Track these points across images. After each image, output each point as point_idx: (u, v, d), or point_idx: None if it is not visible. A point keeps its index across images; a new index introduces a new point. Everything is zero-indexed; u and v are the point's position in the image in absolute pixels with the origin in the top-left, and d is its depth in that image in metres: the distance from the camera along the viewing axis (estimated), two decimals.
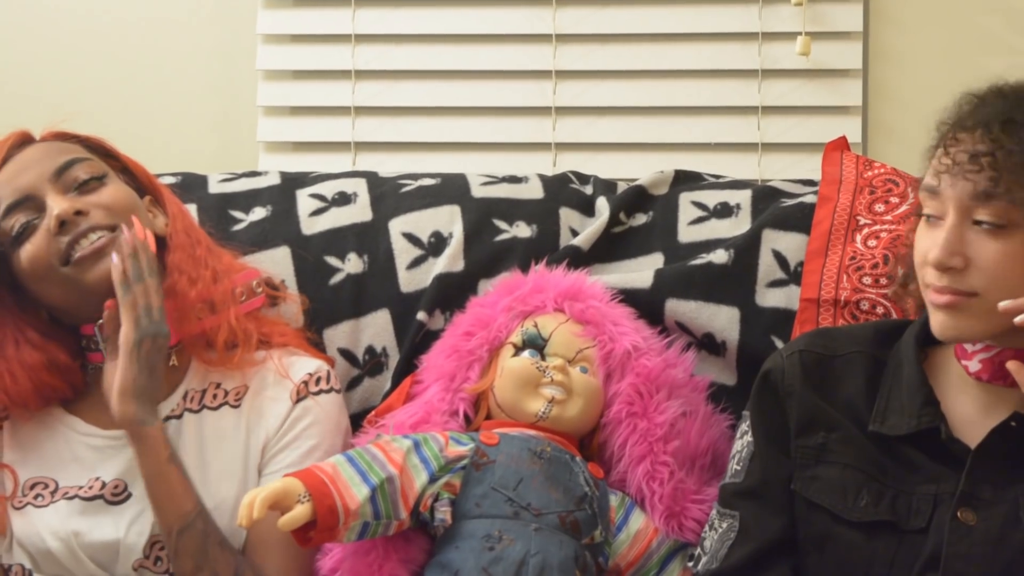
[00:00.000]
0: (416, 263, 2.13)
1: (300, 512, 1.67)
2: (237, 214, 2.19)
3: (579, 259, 2.09)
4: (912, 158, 1.75)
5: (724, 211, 2.15)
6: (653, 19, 2.66)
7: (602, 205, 2.18)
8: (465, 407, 1.92)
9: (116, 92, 2.74)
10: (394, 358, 2.10)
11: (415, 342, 2.07)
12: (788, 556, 1.71)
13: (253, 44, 2.73)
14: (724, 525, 1.75)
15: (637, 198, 2.19)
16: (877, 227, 2.05)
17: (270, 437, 1.90)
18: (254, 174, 2.29)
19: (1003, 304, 1.55)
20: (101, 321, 1.84)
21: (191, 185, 2.22)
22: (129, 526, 1.83)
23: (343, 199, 2.20)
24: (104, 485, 1.86)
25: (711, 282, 2.05)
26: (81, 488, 1.86)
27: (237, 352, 1.92)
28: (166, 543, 1.78)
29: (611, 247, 2.13)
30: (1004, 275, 1.56)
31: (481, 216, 2.15)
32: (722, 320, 2.04)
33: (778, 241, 2.08)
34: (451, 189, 2.21)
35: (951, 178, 1.59)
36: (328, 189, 2.22)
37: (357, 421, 2.01)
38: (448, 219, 2.16)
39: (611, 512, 1.85)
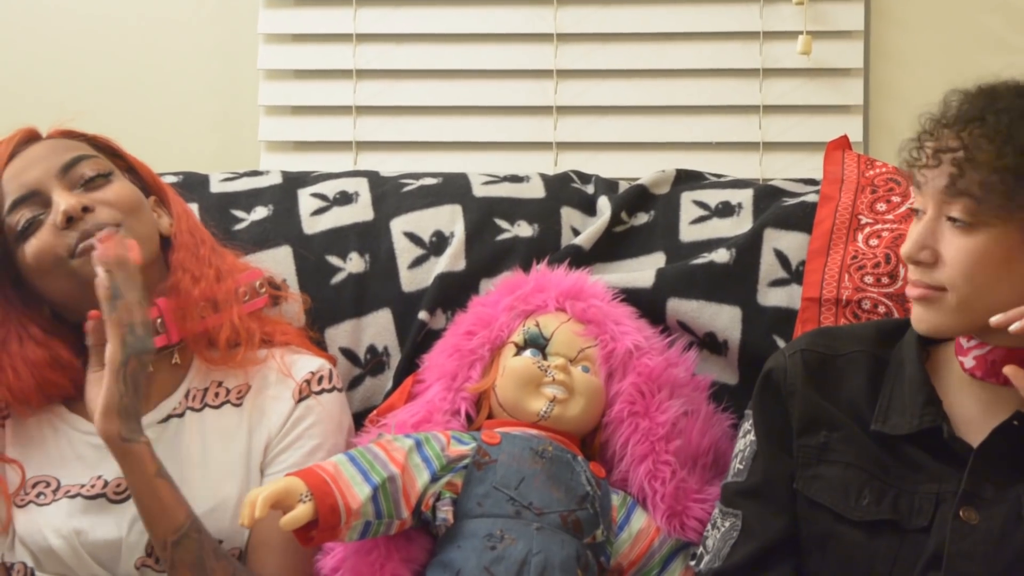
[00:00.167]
0: (418, 262, 2.13)
1: (302, 511, 1.68)
2: (239, 213, 2.19)
3: (581, 258, 2.09)
4: None
5: (726, 210, 2.15)
6: (654, 18, 2.66)
7: (603, 204, 2.18)
8: (467, 406, 1.92)
9: (117, 92, 2.74)
10: (396, 357, 2.10)
11: (417, 341, 2.07)
12: (790, 555, 1.71)
13: (254, 43, 2.73)
14: (726, 524, 1.75)
15: (638, 197, 2.19)
16: (879, 226, 2.05)
17: (272, 436, 1.90)
18: (255, 173, 2.29)
19: (994, 319, 1.56)
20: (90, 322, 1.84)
21: (193, 185, 2.22)
22: (131, 525, 1.83)
23: (344, 198, 2.20)
24: (106, 484, 1.86)
25: (713, 281, 2.05)
26: (83, 486, 1.86)
27: (239, 351, 1.92)
28: (161, 556, 1.78)
29: (613, 246, 2.13)
30: (971, 272, 1.58)
31: (482, 215, 2.15)
32: (724, 319, 2.04)
33: (780, 240, 2.08)
34: (452, 188, 2.21)
35: (925, 172, 1.61)
36: (329, 188, 2.22)
37: (359, 420, 2.01)
38: (449, 218, 2.16)
39: (613, 511, 1.85)
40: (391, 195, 2.20)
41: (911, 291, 1.63)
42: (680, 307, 2.04)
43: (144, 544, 1.83)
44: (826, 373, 1.75)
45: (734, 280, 2.05)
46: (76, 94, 2.71)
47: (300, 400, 1.92)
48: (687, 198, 2.18)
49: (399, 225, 2.16)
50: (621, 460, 1.89)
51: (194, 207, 2.14)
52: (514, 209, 2.17)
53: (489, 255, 2.12)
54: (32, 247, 1.85)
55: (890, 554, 1.63)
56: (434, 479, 1.79)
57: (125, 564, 1.83)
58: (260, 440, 1.90)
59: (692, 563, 1.80)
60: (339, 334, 2.10)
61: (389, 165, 2.41)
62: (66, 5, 2.78)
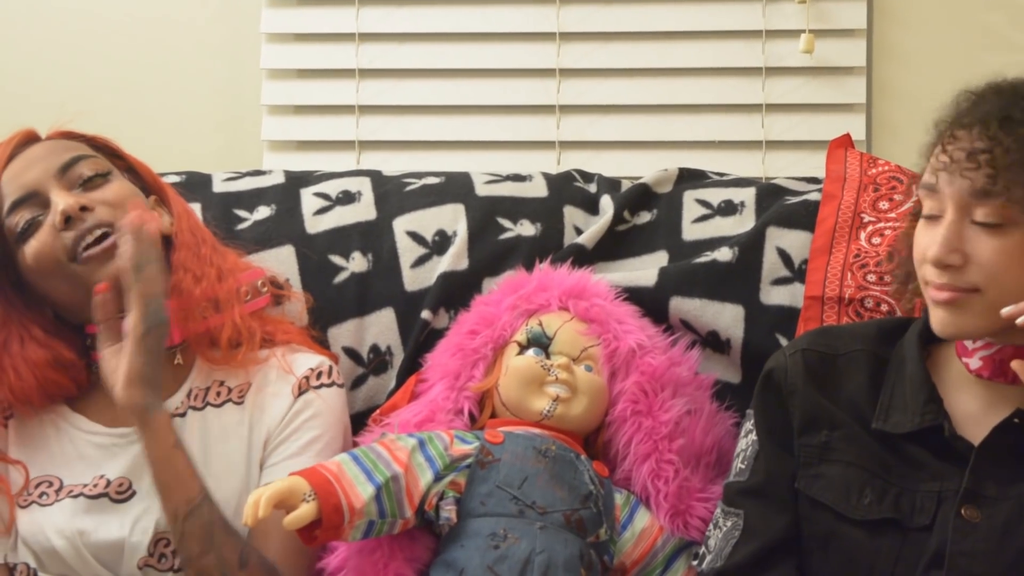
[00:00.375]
0: (420, 262, 2.13)
1: (305, 511, 1.68)
2: (241, 213, 2.19)
3: (583, 257, 2.09)
4: (916, 155, 1.75)
5: (728, 209, 2.15)
6: (657, 17, 2.66)
7: (606, 203, 2.18)
8: (470, 406, 1.92)
9: (120, 91, 2.74)
10: (398, 357, 2.10)
11: (419, 341, 2.07)
12: (792, 554, 1.71)
13: (257, 43, 2.73)
14: (728, 523, 1.75)
15: (641, 196, 2.19)
16: (881, 224, 2.05)
17: (272, 431, 1.90)
18: (258, 173, 2.29)
19: (1005, 311, 1.55)
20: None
21: (195, 184, 2.22)
22: (133, 525, 1.83)
23: (347, 198, 2.20)
24: (109, 483, 1.86)
25: (715, 280, 2.05)
26: (86, 486, 1.87)
27: (241, 350, 1.92)
28: (171, 528, 1.78)
29: (615, 245, 2.13)
30: (1004, 272, 1.56)
31: (485, 214, 2.15)
32: (726, 318, 2.04)
33: (782, 239, 2.08)
34: (455, 188, 2.21)
35: (949, 176, 1.58)
36: (332, 188, 2.22)
37: (362, 420, 2.01)
38: (452, 218, 2.16)
39: (616, 510, 1.85)
40: (394, 194, 2.20)
41: (938, 295, 1.60)
42: (683, 306, 2.04)
43: (146, 544, 1.83)
44: (827, 372, 1.75)
45: (737, 279, 2.05)
46: (79, 94, 2.72)
47: (300, 394, 1.92)
48: (690, 197, 2.18)
49: (402, 224, 2.16)
50: (624, 459, 1.89)
51: (197, 207, 2.15)
52: (517, 208, 2.17)
53: (492, 254, 2.12)
54: (32, 248, 1.85)
55: (892, 553, 1.63)
56: (437, 478, 1.79)
57: (127, 564, 1.83)
58: (260, 436, 1.90)
59: (694, 563, 1.80)
60: (342, 333, 2.10)
61: (392, 164, 2.41)
62: (69, 5, 2.78)
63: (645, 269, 2.08)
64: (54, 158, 1.89)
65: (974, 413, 1.66)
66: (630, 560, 1.85)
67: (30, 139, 1.94)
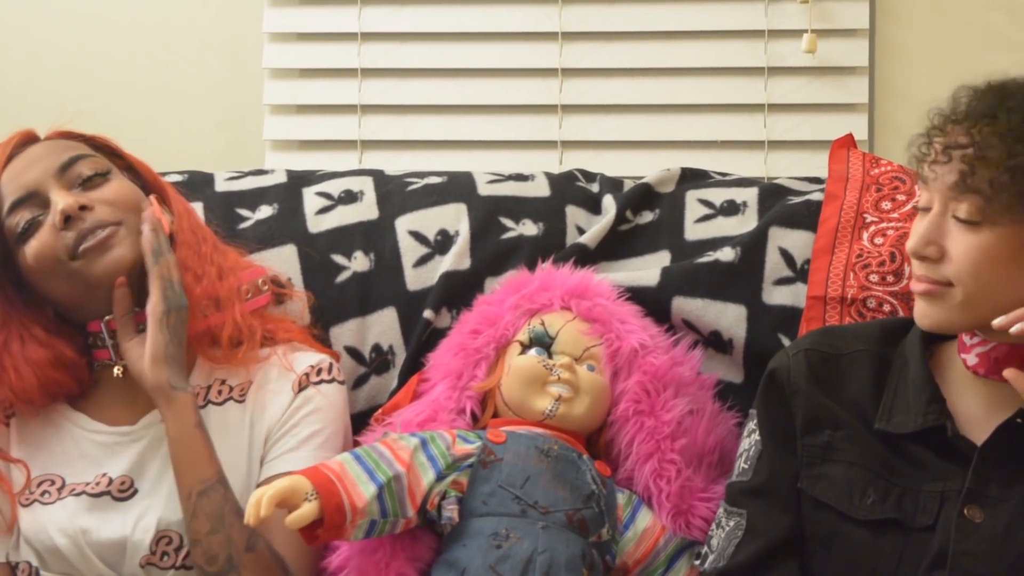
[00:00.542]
0: (422, 261, 2.13)
1: (307, 510, 1.67)
2: (244, 212, 2.19)
3: (586, 257, 2.09)
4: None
5: (731, 209, 2.15)
6: (659, 17, 2.66)
7: (608, 203, 2.18)
8: (472, 405, 1.92)
9: (122, 91, 2.74)
10: (401, 356, 2.10)
11: (422, 340, 2.07)
12: (795, 554, 1.71)
13: (259, 42, 2.73)
14: (731, 523, 1.75)
15: (643, 196, 2.19)
16: (884, 224, 2.05)
17: (272, 427, 1.90)
18: (260, 172, 2.29)
19: (997, 322, 1.56)
20: (109, 317, 1.86)
21: (198, 183, 2.22)
22: (136, 523, 1.83)
23: (349, 197, 2.20)
24: (111, 481, 1.86)
25: (718, 280, 2.05)
26: (88, 484, 1.87)
27: (242, 349, 1.92)
28: (183, 505, 1.79)
29: (618, 245, 2.13)
30: (976, 269, 1.57)
31: (487, 214, 2.15)
32: (729, 318, 2.04)
33: (785, 239, 2.08)
34: (457, 187, 2.21)
35: (933, 169, 1.61)
36: (334, 187, 2.22)
37: (364, 419, 2.01)
38: (454, 217, 2.16)
39: (618, 510, 1.85)
40: (396, 194, 2.20)
41: (916, 286, 1.63)
42: (685, 306, 2.04)
43: (148, 542, 1.83)
44: (830, 372, 1.75)
45: (739, 279, 2.05)
46: (81, 94, 2.72)
47: (300, 391, 1.92)
48: (692, 196, 2.18)
49: (404, 224, 2.16)
50: (626, 459, 1.89)
51: (199, 206, 2.15)
52: (519, 208, 2.17)
53: (494, 254, 2.12)
54: (32, 248, 1.85)
55: (895, 553, 1.63)
56: (439, 478, 1.79)
57: (130, 563, 1.83)
58: (260, 433, 1.90)
59: (697, 562, 1.80)
60: (344, 333, 2.10)
61: (394, 164, 2.41)
62: (71, 5, 2.78)
63: (647, 269, 2.08)
64: (53, 158, 1.90)
65: (977, 413, 1.66)
66: (632, 560, 1.85)
67: (29, 139, 1.94)
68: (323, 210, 2.19)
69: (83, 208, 1.85)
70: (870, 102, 2.62)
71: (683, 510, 1.86)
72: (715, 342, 2.05)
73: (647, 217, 2.17)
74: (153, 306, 1.83)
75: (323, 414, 1.92)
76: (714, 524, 1.79)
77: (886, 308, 1.98)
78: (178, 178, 2.20)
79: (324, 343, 2.07)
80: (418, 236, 2.15)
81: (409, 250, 2.14)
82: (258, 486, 1.81)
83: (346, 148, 2.72)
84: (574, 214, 2.18)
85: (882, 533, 1.64)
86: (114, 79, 2.75)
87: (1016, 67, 1.68)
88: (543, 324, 1.93)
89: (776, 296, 2.05)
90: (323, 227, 2.17)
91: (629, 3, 2.67)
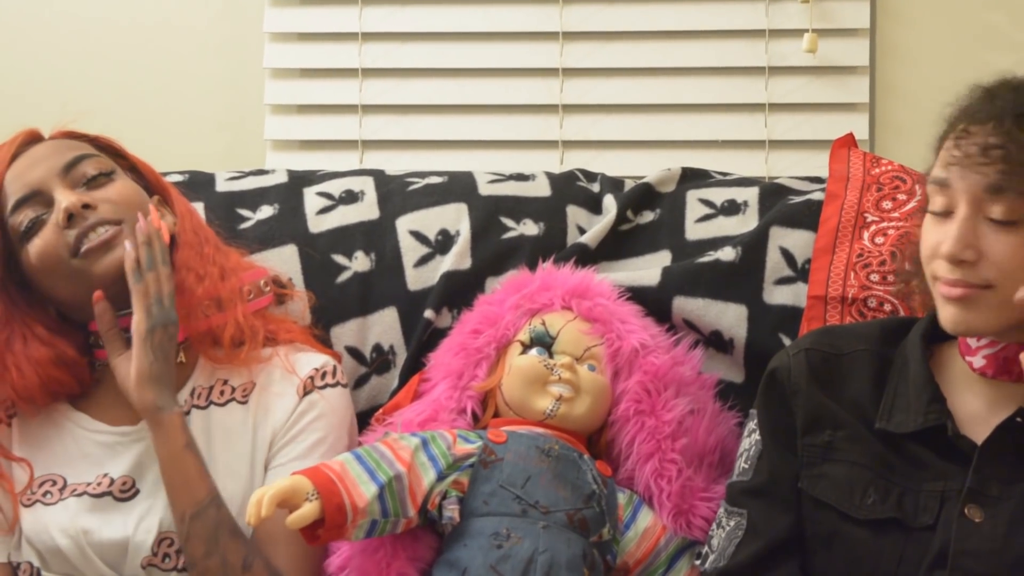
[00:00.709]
0: (423, 261, 2.13)
1: (308, 510, 1.67)
2: (244, 212, 2.19)
3: (586, 257, 2.09)
4: (919, 155, 1.75)
5: (731, 208, 2.15)
6: (660, 16, 2.66)
7: (609, 203, 2.18)
8: (473, 405, 1.92)
9: (123, 91, 2.74)
10: (401, 356, 2.10)
11: (422, 340, 2.08)
12: (796, 554, 1.71)
13: (260, 42, 2.73)
14: (732, 523, 1.75)
15: (644, 196, 2.19)
16: (884, 224, 2.05)
17: (277, 431, 1.90)
18: (261, 172, 2.29)
19: (1021, 294, 1.54)
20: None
21: (198, 183, 2.22)
22: (137, 524, 1.83)
23: (350, 197, 2.20)
24: (112, 482, 1.86)
25: (719, 279, 2.05)
26: (89, 484, 1.87)
27: (243, 349, 1.92)
28: (178, 527, 1.79)
29: (618, 245, 2.13)
30: (1018, 268, 1.55)
31: (488, 214, 2.15)
32: (730, 318, 2.04)
33: (785, 238, 2.08)
34: (458, 187, 2.21)
35: (962, 171, 1.58)
36: (335, 187, 2.22)
37: (364, 419, 2.02)
38: (455, 217, 2.16)
39: (619, 510, 1.85)
40: (397, 194, 2.20)
41: (950, 291, 1.59)
42: (686, 305, 2.04)
43: (150, 543, 1.83)
44: (830, 372, 1.74)
45: (740, 278, 2.05)
46: (82, 94, 2.72)
47: (304, 395, 1.92)
48: (693, 196, 2.18)
49: (405, 224, 2.16)
50: (627, 458, 1.89)
51: (200, 206, 2.15)
52: (520, 207, 2.17)
53: (495, 253, 2.12)
54: (36, 247, 1.86)
55: (895, 553, 1.63)
56: (440, 478, 1.79)
57: (131, 564, 1.83)
58: (265, 437, 1.90)
59: (697, 562, 1.80)
60: (345, 333, 2.11)
61: (395, 164, 2.41)
62: (72, 5, 2.78)
63: (648, 268, 2.08)
64: (58, 157, 1.90)
65: (977, 413, 1.66)
66: (633, 560, 1.85)
67: (33, 139, 1.95)
68: (324, 210, 2.19)
69: (86, 207, 1.85)
70: (871, 102, 2.62)
71: (684, 510, 1.86)
72: (716, 342, 2.05)
73: (648, 217, 2.17)
74: (136, 325, 1.81)
75: (327, 421, 1.92)
76: (715, 524, 1.79)
77: (887, 308, 1.98)
78: (179, 178, 2.20)
79: (325, 343, 2.07)
80: (419, 236, 2.15)
81: (410, 250, 2.14)
82: None
83: (347, 148, 2.72)
84: (575, 214, 2.18)
85: (883, 533, 1.64)
86: (115, 79, 2.75)
87: (1018, 67, 1.67)
88: (544, 324, 1.93)
89: (777, 296, 2.05)
90: (324, 227, 2.17)
91: (630, 3, 2.67)
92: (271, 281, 2.03)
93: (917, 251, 1.69)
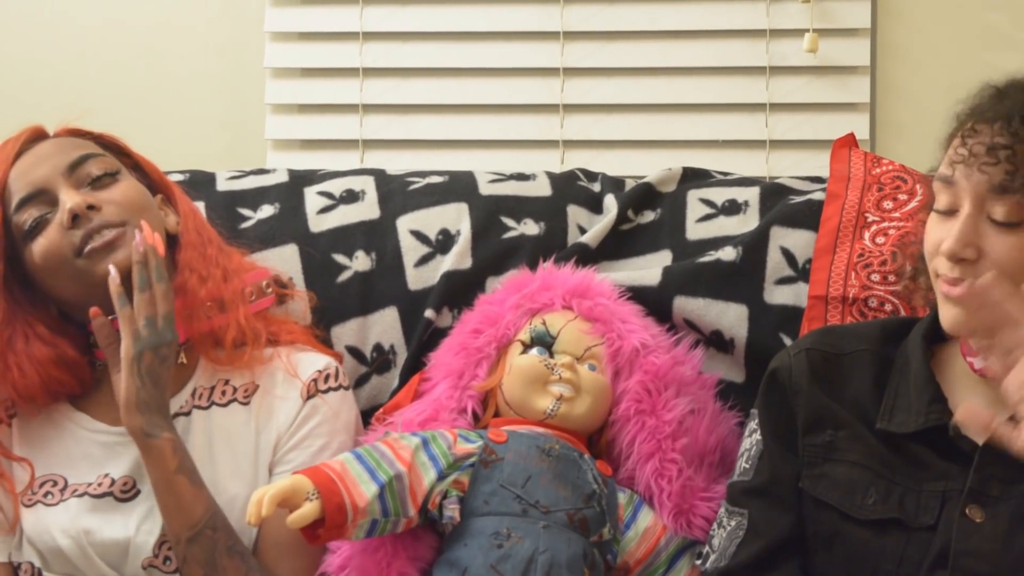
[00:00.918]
0: (424, 260, 2.13)
1: (308, 510, 1.67)
2: (245, 212, 2.19)
3: (587, 256, 2.09)
4: (920, 155, 1.75)
5: (732, 208, 2.15)
6: (661, 16, 2.66)
7: (610, 202, 2.18)
8: (473, 405, 1.92)
9: (124, 90, 2.74)
10: (402, 356, 2.10)
11: (423, 340, 2.08)
12: (796, 554, 1.71)
13: (261, 42, 2.74)
14: (732, 523, 1.75)
15: (645, 195, 2.19)
16: (885, 224, 2.05)
17: (281, 435, 1.90)
18: (262, 172, 2.29)
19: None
20: (112, 317, 1.84)
21: (199, 183, 2.22)
22: (139, 525, 1.83)
23: (351, 197, 2.20)
24: (113, 482, 1.86)
25: (719, 279, 2.05)
26: (90, 485, 1.87)
27: (245, 351, 1.92)
28: (175, 550, 1.79)
29: (619, 244, 2.13)
30: (1019, 269, 1.55)
31: (489, 213, 2.15)
32: (730, 317, 2.04)
33: (786, 238, 2.08)
34: (459, 186, 2.21)
35: (967, 169, 1.58)
36: (336, 187, 2.22)
37: (365, 419, 2.01)
38: (456, 217, 2.16)
39: (619, 510, 1.85)
40: (397, 193, 2.20)
41: (951, 290, 1.59)
42: (687, 305, 2.04)
43: (151, 544, 1.83)
44: (831, 372, 1.74)
45: (741, 278, 2.05)
46: (83, 94, 2.72)
47: (308, 399, 1.92)
48: (694, 196, 2.18)
49: (405, 223, 2.16)
50: (628, 458, 1.89)
51: (200, 205, 2.15)
52: (520, 207, 2.17)
53: (495, 253, 2.12)
54: (39, 246, 1.85)
55: (896, 553, 1.63)
56: (441, 477, 1.79)
57: (132, 564, 1.83)
58: (269, 439, 1.90)
59: (698, 562, 1.80)
60: (345, 332, 2.10)
61: (395, 163, 2.41)
62: (73, 5, 2.78)
63: (649, 268, 2.08)
64: (62, 156, 1.90)
65: None
66: (633, 559, 1.85)
67: (38, 136, 1.94)
68: (324, 209, 2.19)
69: (91, 208, 1.85)
70: (871, 101, 2.62)
71: (684, 510, 1.86)
72: (716, 342, 2.05)
73: (648, 216, 2.17)
74: (124, 351, 1.79)
75: (330, 425, 1.92)
76: (715, 524, 1.79)
77: (887, 307, 1.98)
78: (180, 177, 2.20)
79: (325, 343, 2.07)
80: (419, 235, 2.15)
81: (410, 249, 2.14)
82: None
83: (347, 148, 2.73)
84: (575, 213, 2.18)
85: (883, 533, 1.64)
86: (115, 79, 2.75)
87: (1019, 67, 1.67)
88: (544, 323, 1.93)
89: (777, 296, 2.05)
90: (324, 226, 2.17)
91: (631, 3, 2.67)
92: (273, 282, 2.03)
93: (920, 249, 1.69)
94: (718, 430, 1.94)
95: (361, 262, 2.14)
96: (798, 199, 2.14)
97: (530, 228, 2.14)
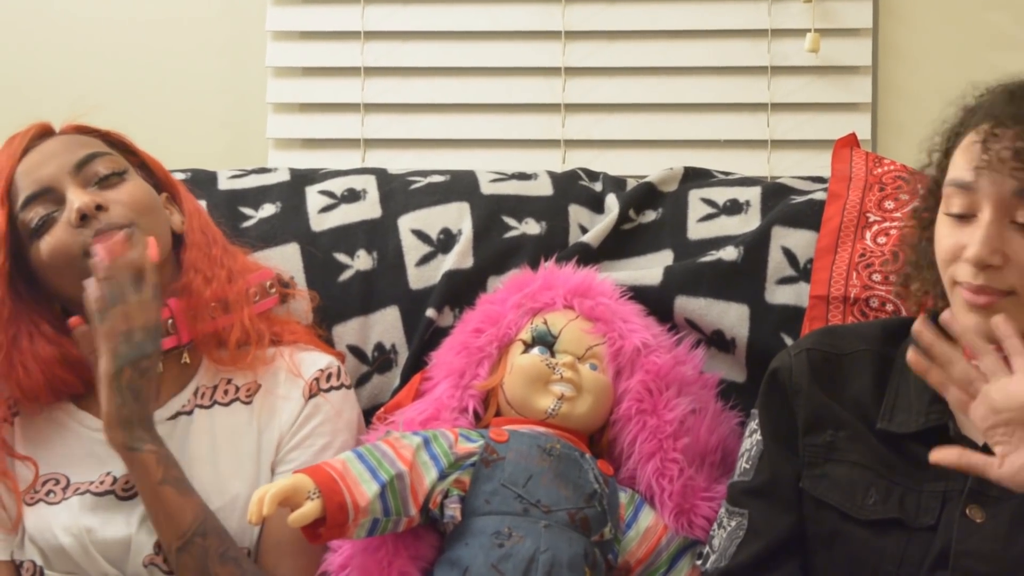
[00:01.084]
0: (425, 260, 2.13)
1: (310, 509, 1.68)
2: (246, 211, 2.19)
3: (588, 256, 2.09)
4: (922, 155, 1.75)
5: (734, 208, 2.15)
6: (662, 16, 2.66)
7: (611, 202, 2.18)
8: (475, 404, 1.92)
9: (126, 89, 2.74)
10: (403, 355, 2.10)
11: (424, 339, 2.08)
12: (797, 554, 1.71)
13: (263, 41, 2.73)
14: (733, 523, 1.75)
15: (646, 195, 2.19)
16: (887, 224, 2.05)
17: (284, 434, 1.90)
18: (263, 171, 2.29)
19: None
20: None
21: (201, 182, 2.22)
22: (140, 523, 1.83)
23: (352, 196, 2.20)
24: (115, 480, 1.86)
25: (721, 279, 2.05)
26: (92, 483, 1.87)
27: (249, 351, 1.92)
28: (168, 557, 1.79)
29: (620, 244, 2.13)
30: None
31: (490, 213, 2.15)
32: (732, 317, 2.04)
33: (788, 238, 2.08)
34: (460, 186, 2.21)
35: (992, 174, 1.56)
36: (337, 186, 2.22)
37: (366, 418, 2.02)
38: (457, 216, 2.16)
39: (620, 509, 1.85)
40: (399, 192, 2.20)
41: (975, 299, 1.57)
42: (688, 305, 2.04)
43: (152, 542, 1.83)
44: (831, 372, 1.74)
45: (742, 278, 2.05)
46: (84, 92, 2.67)
47: (310, 398, 1.92)
48: (695, 196, 2.18)
49: (407, 222, 2.16)
50: (629, 458, 1.89)
51: (202, 204, 2.14)
52: (522, 206, 2.17)
53: (497, 252, 2.12)
54: (47, 244, 1.85)
55: (897, 553, 1.63)
56: (442, 476, 1.79)
57: (134, 562, 1.83)
58: (271, 439, 1.90)
59: (698, 562, 1.80)
60: (347, 331, 2.11)
61: (397, 162, 2.41)
62: (74, 4, 2.78)
63: (650, 268, 2.08)
64: (69, 154, 1.89)
65: None
66: (634, 559, 1.85)
67: (44, 132, 1.94)
68: (326, 209, 2.19)
69: (99, 208, 1.85)
70: (873, 101, 2.62)
71: (685, 509, 1.86)
72: (717, 341, 2.05)
73: (650, 216, 2.17)
74: (103, 367, 1.77)
75: (332, 425, 1.92)
76: (716, 524, 1.79)
77: (888, 308, 1.98)
78: (181, 176, 2.19)
79: (327, 342, 2.07)
80: (421, 235, 2.15)
81: (412, 249, 2.14)
82: None
83: (349, 147, 2.72)
84: (577, 213, 2.18)
85: (884, 533, 1.64)
86: (117, 77, 2.75)
87: (1020, 67, 1.67)
88: (546, 323, 1.93)
89: (779, 295, 2.05)
90: (326, 226, 2.17)
91: (632, 2, 2.66)
92: (276, 282, 2.03)
93: (913, 253, 1.69)
94: (719, 430, 1.94)
95: (362, 261, 2.14)
96: (799, 199, 2.14)
97: (531, 227, 2.14)
